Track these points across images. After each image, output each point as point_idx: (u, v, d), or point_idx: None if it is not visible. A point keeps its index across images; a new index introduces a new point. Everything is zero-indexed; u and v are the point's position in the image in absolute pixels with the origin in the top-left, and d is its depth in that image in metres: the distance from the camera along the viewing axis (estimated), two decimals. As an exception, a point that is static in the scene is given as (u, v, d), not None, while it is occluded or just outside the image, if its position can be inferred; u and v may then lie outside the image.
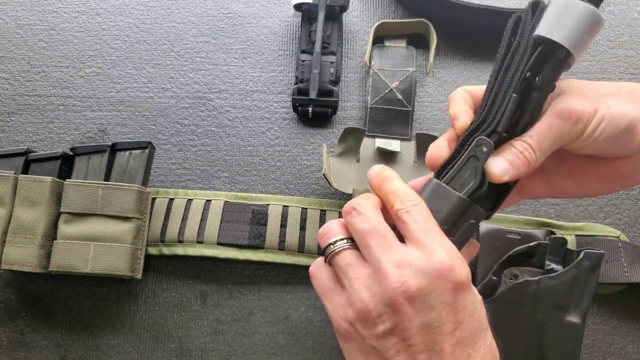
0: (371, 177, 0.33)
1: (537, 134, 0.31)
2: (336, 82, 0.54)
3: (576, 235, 0.50)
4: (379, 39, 0.56)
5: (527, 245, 0.46)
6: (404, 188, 0.32)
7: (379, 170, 0.33)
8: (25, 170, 0.49)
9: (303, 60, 0.54)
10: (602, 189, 0.36)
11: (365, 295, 0.29)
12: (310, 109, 0.53)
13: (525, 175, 0.32)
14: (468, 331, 0.29)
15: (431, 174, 0.34)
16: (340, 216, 0.50)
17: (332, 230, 0.32)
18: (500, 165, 0.31)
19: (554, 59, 0.31)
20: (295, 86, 0.54)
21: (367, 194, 0.33)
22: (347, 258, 0.31)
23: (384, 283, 0.28)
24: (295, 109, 0.54)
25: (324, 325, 0.49)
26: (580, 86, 0.33)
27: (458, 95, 0.34)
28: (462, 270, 0.29)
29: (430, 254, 0.29)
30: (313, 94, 0.53)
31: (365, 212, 0.31)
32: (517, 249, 0.46)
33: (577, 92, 0.32)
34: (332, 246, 0.32)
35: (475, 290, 0.30)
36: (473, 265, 0.48)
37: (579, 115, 0.31)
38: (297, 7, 0.55)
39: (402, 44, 0.56)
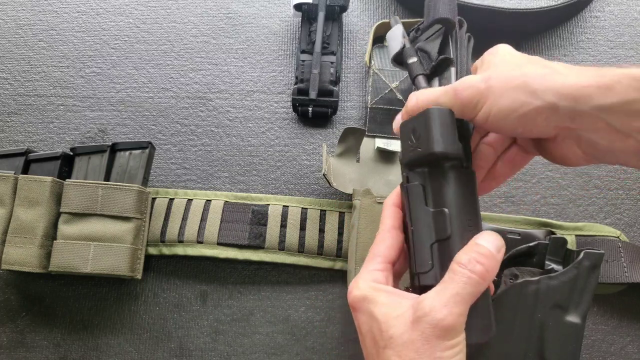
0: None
1: (434, 95, 0.32)
2: (336, 82, 0.54)
3: (576, 235, 0.50)
4: (379, 39, 0.56)
5: (527, 245, 0.46)
6: (383, 215, 0.34)
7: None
8: (25, 171, 0.49)
9: (303, 60, 0.54)
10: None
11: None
12: (310, 109, 0.53)
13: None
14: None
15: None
16: (340, 216, 0.50)
17: None
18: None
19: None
20: (295, 86, 0.54)
21: None
22: None
23: None
24: (295, 109, 0.54)
25: (324, 326, 0.49)
26: (502, 66, 0.31)
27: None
28: (352, 294, 0.32)
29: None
30: (313, 94, 0.53)
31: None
32: (517, 248, 0.46)
33: (491, 70, 0.31)
34: None
35: (378, 309, 0.30)
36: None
37: (463, 99, 0.31)
38: (297, 7, 0.55)
39: (402, 44, 0.56)
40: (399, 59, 0.40)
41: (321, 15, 0.53)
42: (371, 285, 0.31)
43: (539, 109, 0.29)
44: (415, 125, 0.32)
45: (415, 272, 0.32)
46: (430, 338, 0.28)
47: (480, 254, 0.29)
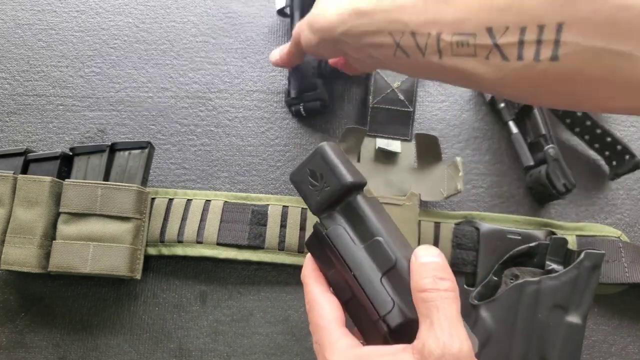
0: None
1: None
2: (323, 75, 0.53)
3: (577, 236, 0.50)
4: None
5: (527, 245, 0.46)
6: (312, 295, 0.32)
7: (303, 277, 0.33)
8: (24, 170, 0.49)
9: None
10: None
11: None
12: (300, 107, 0.53)
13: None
14: None
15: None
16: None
17: None
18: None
19: None
20: (286, 88, 0.54)
21: None
22: None
23: None
24: (290, 110, 0.54)
25: (324, 326, 0.49)
26: None
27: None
28: None
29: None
30: (293, 93, 0.53)
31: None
32: (517, 249, 0.46)
33: None
34: None
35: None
36: (473, 265, 0.48)
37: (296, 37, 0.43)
38: (280, 12, 0.56)
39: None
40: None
41: (296, 15, 0.54)
42: (355, 354, 0.28)
43: (316, 41, 0.39)
44: (311, 168, 0.31)
45: (378, 317, 0.29)
46: None
47: (436, 269, 0.28)
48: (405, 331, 0.28)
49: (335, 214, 0.31)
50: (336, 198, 0.30)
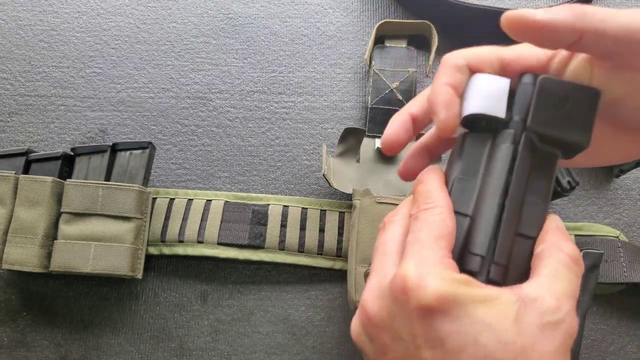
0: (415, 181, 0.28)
1: None
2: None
3: (575, 235, 0.50)
4: (379, 39, 0.56)
5: (526, 245, 0.46)
6: (427, 189, 0.27)
7: (420, 174, 0.28)
8: (26, 171, 0.49)
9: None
10: (619, 158, 0.31)
11: (354, 322, 0.27)
12: None
13: None
14: None
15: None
16: (340, 216, 0.51)
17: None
18: None
19: None
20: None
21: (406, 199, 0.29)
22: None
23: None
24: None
25: (324, 325, 0.49)
26: None
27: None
28: (429, 289, 0.22)
29: (395, 271, 0.24)
30: None
31: (388, 227, 0.27)
32: (516, 248, 0.46)
33: None
34: None
35: (483, 311, 0.22)
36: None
37: None
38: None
39: (403, 44, 0.56)
40: None
41: None
42: (454, 278, 0.23)
43: None
44: (571, 95, 0.26)
45: (491, 260, 0.25)
46: (564, 339, 0.22)
47: (574, 249, 0.25)
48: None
49: (539, 148, 0.26)
50: (558, 142, 0.26)
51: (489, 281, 0.24)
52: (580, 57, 0.27)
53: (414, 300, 0.22)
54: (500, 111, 0.26)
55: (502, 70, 0.27)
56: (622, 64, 0.24)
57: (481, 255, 0.25)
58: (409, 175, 0.30)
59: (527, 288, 0.23)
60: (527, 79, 0.27)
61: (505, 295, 0.23)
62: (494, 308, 0.22)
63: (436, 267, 0.23)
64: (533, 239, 0.26)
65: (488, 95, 0.26)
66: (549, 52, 0.27)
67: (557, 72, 0.27)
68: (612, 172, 0.53)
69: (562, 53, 0.27)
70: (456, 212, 0.26)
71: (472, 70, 0.27)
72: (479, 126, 0.27)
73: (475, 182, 0.26)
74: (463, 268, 0.25)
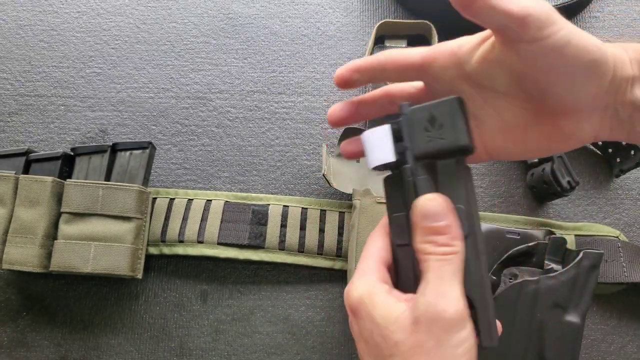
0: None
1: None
2: None
3: (575, 235, 0.50)
4: (379, 39, 0.56)
5: (526, 245, 0.46)
6: (373, 235, 0.33)
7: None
8: (26, 171, 0.49)
9: None
10: (546, 150, 0.32)
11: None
12: None
13: None
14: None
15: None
16: (340, 216, 0.51)
17: None
18: None
19: None
20: None
21: None
22: None
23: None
24: None
25: (324, 325, 0.49)
26: None
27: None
28: (352, 294, 0.29)
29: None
30: None
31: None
32: (516, 248, 0.46)
33: None
34: None
35: (380, 313, 0.28)
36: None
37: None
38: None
39: (403, 44, 0.56)
40: None
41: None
42: (370, 284, 0.29)
43: None
44: (435, 114, 0.29)
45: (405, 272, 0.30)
46: (440, 334, 0.26)
47: (433, 225, 0.28)
48: None
49: (436, 166, 0.30)
50: (444, 153, 0.29)
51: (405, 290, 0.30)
52: (486, 42, 0.29)
53: (346, 302, 0.30)
54: (389, 156, 0.30)
55: (390, 102, 0.34)
56: (515, 37, 0.26)
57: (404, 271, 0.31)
58: (332, 119, 0.34)
59: (418, 296, 0.27)
60: (403, 109, 0.30)
61: (399, 304, 0.28)
62: (385, 309, 0.28)
63: (366, 277, 0.30)
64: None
65: (375, 147, 0.31)
66: (420, 83, 0.33)
67: (467, 57, 0.30)
68: (612, 171, 0.53)
69: (471, 41, 0.30)
70: (398, 245, 0.31)
71: (368, 104, 0.34)
72: (390, 169, 0.32)
73: (404, 215, 0.30)
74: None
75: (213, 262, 0.51)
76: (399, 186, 0.31)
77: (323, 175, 0.48)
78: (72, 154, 0.49)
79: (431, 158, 0.30)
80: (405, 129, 0.30)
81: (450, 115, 0.29)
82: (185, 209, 0.50)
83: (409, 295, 0.28)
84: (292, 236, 0.49)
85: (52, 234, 0.47)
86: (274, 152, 0.54)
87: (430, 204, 0.28)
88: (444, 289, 0.26)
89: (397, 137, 0.30)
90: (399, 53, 0.31)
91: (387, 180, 0.32)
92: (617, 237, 0.50)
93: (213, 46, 0.58)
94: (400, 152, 0.30)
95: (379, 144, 0.31)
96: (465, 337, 0.26)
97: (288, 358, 0.48)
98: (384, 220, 0.32)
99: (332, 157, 0.52)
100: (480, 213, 0.51)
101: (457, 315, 0.26)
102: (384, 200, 0.47)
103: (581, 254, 0.43)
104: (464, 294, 0.27)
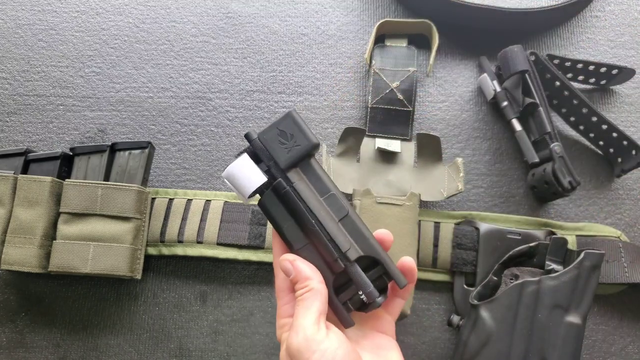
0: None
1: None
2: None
3: (577, 236, 0.50)
4: (380, 38, 0.56)
5: (527, 245, 0.46)
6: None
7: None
8: (24, 170, 0.49)
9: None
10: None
11: None
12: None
13: None
14: None
15: None
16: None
17: None
18: None
19: None
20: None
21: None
22: None
23: None
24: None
25: (324, 326, 0.49)
26: None
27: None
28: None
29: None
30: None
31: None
32: (517, 249, 0.46)
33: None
34: None
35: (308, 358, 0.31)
36: (473, 265, 0.48)
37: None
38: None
39: (403, 43, 0.56)
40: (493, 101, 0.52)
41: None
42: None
43: None
44: (282, 128, 0.35)
45: (338, 255, 0.34)
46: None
47: (290, 279, 0.34)
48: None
49: (298, 170, 0.35)
50: (303, 155, 0.35)
51: (357, 260, 0.35)
52: None
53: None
54: (260, 177, 0.35)
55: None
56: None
57: (332, 257, 0.35)
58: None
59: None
60: (252, 136, 0.35)
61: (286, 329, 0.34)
62: (282, 349, 0.33)
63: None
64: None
65: (243, 175, 0.35)
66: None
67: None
68: (613, 171, 0.53)
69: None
70: (299, 249, 0.35)
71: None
72: (259, 193, 0.36)
73: (293, 222, 0.35)
74: (344, 264, 0.35)
75: (212, 263, 0.50)
76: (276, 202, 0.35)
77: (323, 175, 0.48)
78: (71, 153, 0.49)
79: (294, 165, 0.35)
80: (262, 151, 0.35)
81: (296, 125, 0.35)
82: (185, 209, 0.50)
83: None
84: (292, 236, 0.49)
85: (51, 234, 0.47)
86: (274, 152, 0.54)
87: (282, 264, 0.35)
88: (297, 323, 0.32)
89: (256, 160, 0.35)
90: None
91: (262, 205, 0.36)
92: (618, 237, 0.50)
93: (212, 45, 0.58)
94: (265, 170, 0.35)
95: (245, 171, 0.35)
96: (323, 349, 0.31)
97: (288, 359, 0.48)
98: (276, 239, 0.37)
99: (332, 157, 0.52)
100: (481, 213, 0.50)
101: (305, 341, 0.31)
102: (382, 202, 0.47)
103: (582, 255, 0.43)
104: (318, 319, 0.32)
